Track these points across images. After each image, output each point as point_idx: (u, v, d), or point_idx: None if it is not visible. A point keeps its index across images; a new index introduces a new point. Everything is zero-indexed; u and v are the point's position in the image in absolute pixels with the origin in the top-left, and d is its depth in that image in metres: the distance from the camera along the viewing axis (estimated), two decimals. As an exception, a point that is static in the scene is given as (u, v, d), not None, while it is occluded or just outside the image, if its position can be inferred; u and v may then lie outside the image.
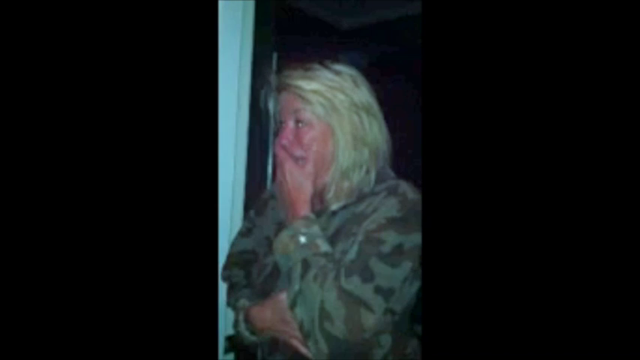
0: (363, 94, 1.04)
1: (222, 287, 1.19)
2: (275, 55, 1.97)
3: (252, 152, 1.66)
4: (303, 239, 0.94)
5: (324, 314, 0.86)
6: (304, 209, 0.99)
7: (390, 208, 0.95)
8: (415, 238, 0.92)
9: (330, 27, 2.99)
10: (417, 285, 0.96)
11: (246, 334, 1.04)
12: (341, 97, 1.01)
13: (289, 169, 1.02)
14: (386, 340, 0.96)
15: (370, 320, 0.86)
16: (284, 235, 0.97)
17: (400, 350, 0.98)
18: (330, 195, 1.03)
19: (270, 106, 1.09)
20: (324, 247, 0.94)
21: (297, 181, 1.01)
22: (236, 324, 1.07)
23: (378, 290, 0.87)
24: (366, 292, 0.87)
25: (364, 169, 1.03)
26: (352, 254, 0.91)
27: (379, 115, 1.06)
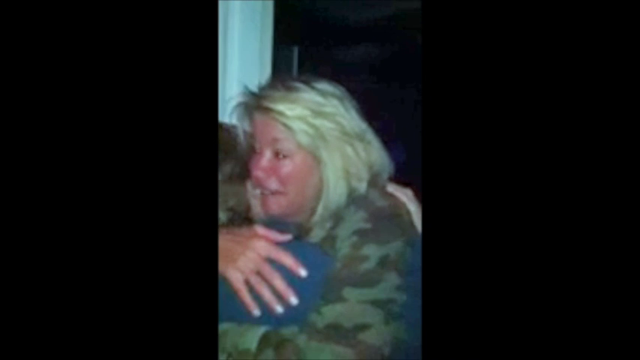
0: (354, 118, 0.93)
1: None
2: (296, 49, 1.97)
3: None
4: None
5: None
6: None
7: (357, 220, 0.88)
8: (398, 245, 0.87)
9: (347, 21, 2.97)
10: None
11: None
12: (328, 124, 0.90)
13: None
14: None
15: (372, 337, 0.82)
16: None
17: None
18: (311, 227, 0.93)
19: (244, 128, 0.96)
20: (252, 346, 0.82)
21: None
22: None
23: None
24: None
25: (357, 202, 0.91)
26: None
27: (374, 140, 0.95)
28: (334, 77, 0.98)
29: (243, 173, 0.94)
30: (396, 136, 1.00)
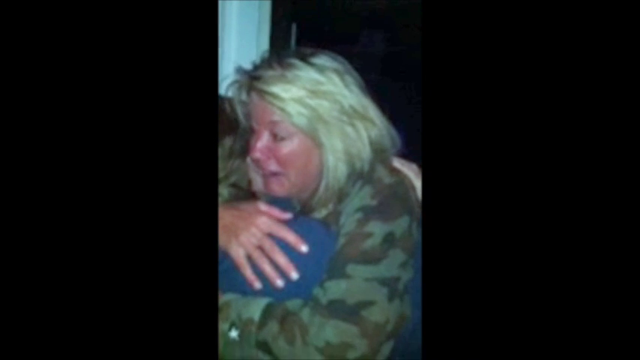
0: (355, 95, 0.90)
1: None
2: (294, 27, 1.94)
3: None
4: (234, 334, 0.82)
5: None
6: None
7: (363, 196, 0.87)
8: (403, 222, 0.85)
9: (352, 5, 2.94)
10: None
11: None
12: (327, 104, 0.87)
13: None
14: None
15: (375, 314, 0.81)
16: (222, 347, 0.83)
17: None
18: (314, 206, 0.93)
19: (239, 109, 0.93)
20: (255, 315, 0.82)
21: None
22: None
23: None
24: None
25: (363, 178, 0.90)
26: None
27: (378, 116, 0.92)
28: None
29: (244, 148, 0.93)
30: (397, 127, 0.98)
